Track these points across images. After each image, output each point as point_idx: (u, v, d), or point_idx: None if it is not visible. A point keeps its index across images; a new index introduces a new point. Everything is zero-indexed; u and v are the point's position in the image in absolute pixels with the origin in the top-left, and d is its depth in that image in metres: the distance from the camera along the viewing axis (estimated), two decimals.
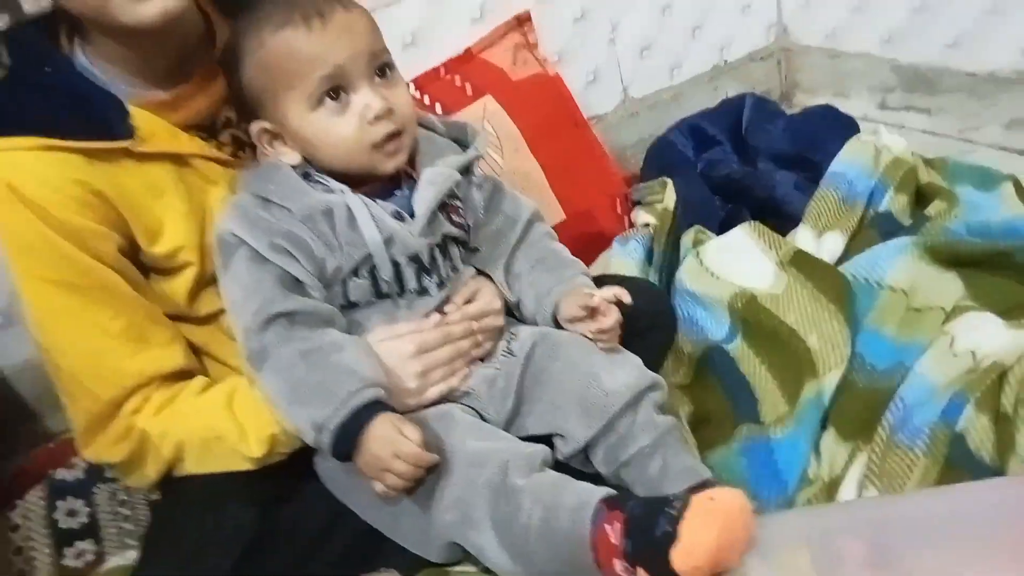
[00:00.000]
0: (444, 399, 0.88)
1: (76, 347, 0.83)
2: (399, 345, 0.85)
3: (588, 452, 0.85)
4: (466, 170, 0.92)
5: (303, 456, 0.88)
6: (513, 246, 0.95)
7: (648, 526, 0.69)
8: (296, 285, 0.82)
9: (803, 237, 1.27)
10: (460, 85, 1.49)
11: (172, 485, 0.88)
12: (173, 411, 0.85)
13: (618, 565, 0.71)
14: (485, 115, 1.45)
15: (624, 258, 1.27)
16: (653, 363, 0.95)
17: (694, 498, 0.69)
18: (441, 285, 0.88)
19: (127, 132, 0.80)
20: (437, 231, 0.87)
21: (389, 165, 0.84)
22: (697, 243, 1.30)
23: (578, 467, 0.86)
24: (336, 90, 0.81)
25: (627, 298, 0.87)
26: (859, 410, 0.97)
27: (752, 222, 1.29)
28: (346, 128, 0.81)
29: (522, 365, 0.88)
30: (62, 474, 1.18)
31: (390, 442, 0.76)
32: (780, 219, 1.37)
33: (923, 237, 1.19)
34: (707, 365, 1.12)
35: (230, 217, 0.83)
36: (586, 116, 1.60)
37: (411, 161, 0.89)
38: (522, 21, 1.55)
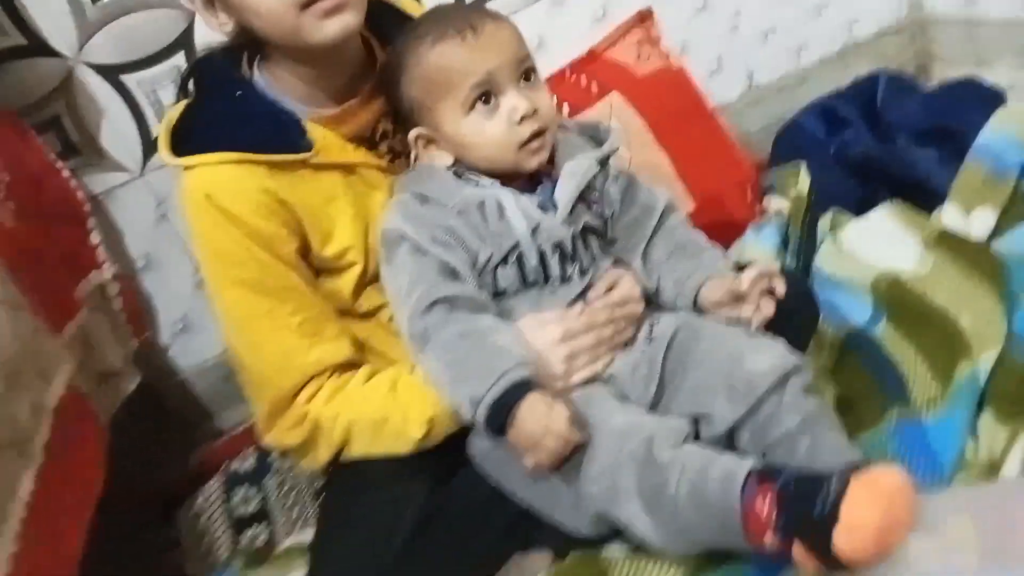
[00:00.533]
0: (588, 383, 0.91)
1: (264, 342, 0.90)
2: (547, 331, 0.89)
3: (733, 435, 0.86)
4: (602, 164, 0.95)
5: (459, 441, 0.93)
6: (650, 235, 0.98)
7: (804, 504, 0.70)
8: (454, 274, 0.88)
9: (950, 215, 1.22)
10: (586, 84, 1.51)
11: (341, 469, 0.95)
12: (343, 397, 0.91)
13: (770, 538, 0.72)
14: (612, 111, 1.47)
15: (759, 245, 1.26)
16: (797, 348, 0.92)
17: (854, 477, 0.69)
18: (583, 273, 0.92)
19: (306, 146, 0.88)
20: (578, 220, 0.91)
21: (533, 162, 0.89)
22: (835, 226, 1.28)
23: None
24: (487, 95, 0.87)
25: (781, 287, 0.87)
26: (1018, 391, 0.94)
27: (893, 200, 1.26)
28: (496, 129, 0.88)
29: (665, 350, 0.90)
30: (236, 465, 1.30)
31: (542, 418, 0.79)
32: (924, 197, 1.32)
33: None
34: (851, 349, 1.09)
35: (394, 214, 0.90)
36: (712, 105, 1.59)
37: (551, 160, 0.93)
38: (644, 17, 1.55)
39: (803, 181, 1.34)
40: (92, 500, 0.94)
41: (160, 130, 0.90)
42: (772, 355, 0.86)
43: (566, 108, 1.46)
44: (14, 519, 0.82)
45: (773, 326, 0.90)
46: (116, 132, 1.25)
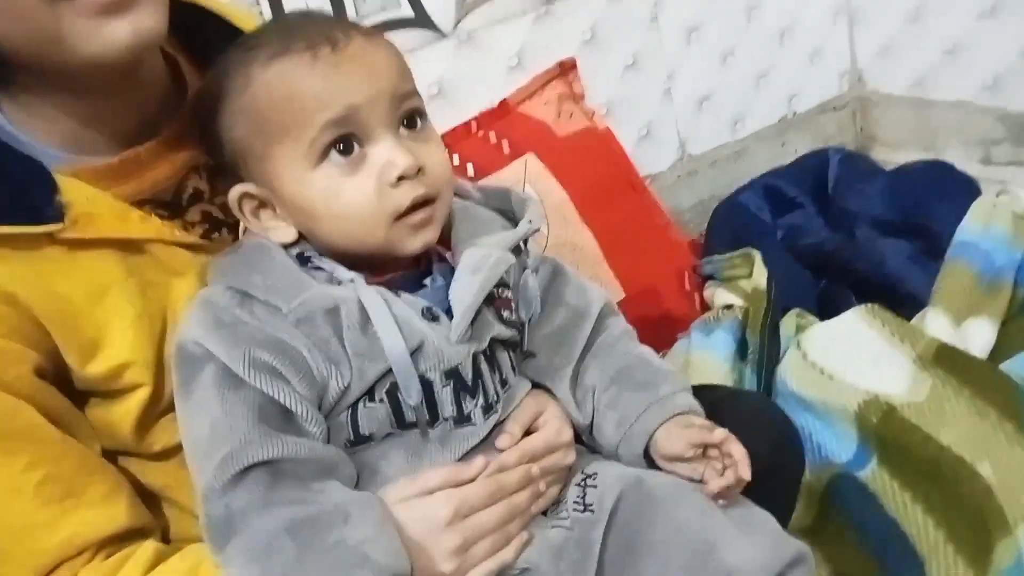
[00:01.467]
0: None
1: None
2: (430, 508, 0.60)
3: None
4: (517, 250, 0.68)
5: None
6: (583, 350, 0.70)
7: None
8: (285, 418, 0.58)
9: (936, 325, 1.01)
10: (496, 142, 1.28)
11: None
12: None
13: None
14: (527, 177, 1.22)
15: (709, 352, 1.00)
16: (782, 515, 0.69)
17: None
18: (488, 410, 0.63)
19: (53, 214, 0.59)
20: (483, 335, 0.63)
21: (416, 242, 0.62)
22: (800, 329, 1.04)
23: None
24: (347, 141, 0.60)
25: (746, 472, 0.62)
26: None
27: (868, 305, 1.03)
28: (360, 191, 0.60)
29: (604, 526, 0.62)
30: None
31: None
32: (893, 300, 1.10)
33: None
34: (837, 503, 0.84)
35: (195, 320, 0.60)
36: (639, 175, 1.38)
37: (444, 240, 0.65)
38: (566, 69, 1.36)
39: (759, 272, 1.11)
40: None
41: None
42: (760, 544, 0.61)
43: (470, 169, 1.21)
44: None
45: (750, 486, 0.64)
46: None
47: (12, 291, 0.58)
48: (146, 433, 0.66)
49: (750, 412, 0.74)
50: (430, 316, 0.61)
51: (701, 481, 0.64)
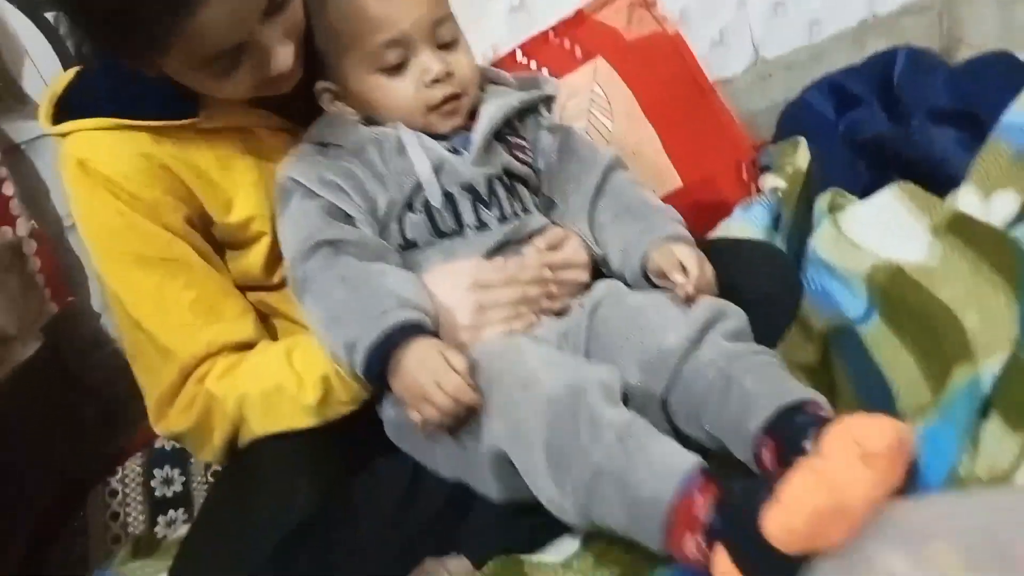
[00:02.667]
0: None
1: (149, 320, 0.82)
2: (454, 277, 0.80)
3: (671, 417, 0.74)
4: (533, 111, 0.88)
5: (374, 429, 0.83)
6: (594, 194, 0.87)
7: (746, 503, 0.58)
8: (346, 218, 0.80)
9: (967, 199, 1.07)
10: (570, 48, 1.39)
11: (233, 456, 0.84)
12: (237, 373, 0.82)
13: (689, 541, 0.60)
14: (595, 77, 1.34)
15: (746, 223, 1.12)
16: (769, 342, 0.80)
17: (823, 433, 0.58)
18: (503, 220, 0.83)
19: (193, 110, 0.81)
20: (495, 162, 0.83)
21: (445, 125, 0.83)
22: (835, 208, 1.13)
23: None
24: (397, 53, 0.80)
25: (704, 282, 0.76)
26: None
27: (903, 182, 1.11)
28: (403, 90, 0.81)
29: (588, 319, 0.80)
30: (161, 443, 1.18)
31: (431, 370, 0.70)
32: (939, 183, 1.16)
33: None
34: (834, 348, 0.96)
35: (287, 163, 0.83)
36: (712, 79, 1.45)
37: (472, 118, 0.85)
38: None
39: (801, 156, 1.20)
40: None
41: (43, 96, 0.83)
42: (690, 318, 0.74)
43: (546, 73, 1.34)
44: None
45: (749, 307, 0.78)
46: (40, 75, 1.14)
47: (166, 163, 0.81)
48: (271, 272, 0.88)
49: (750, 248, 0.87)
50: (453, 150, 0.81)
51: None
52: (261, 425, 0.81)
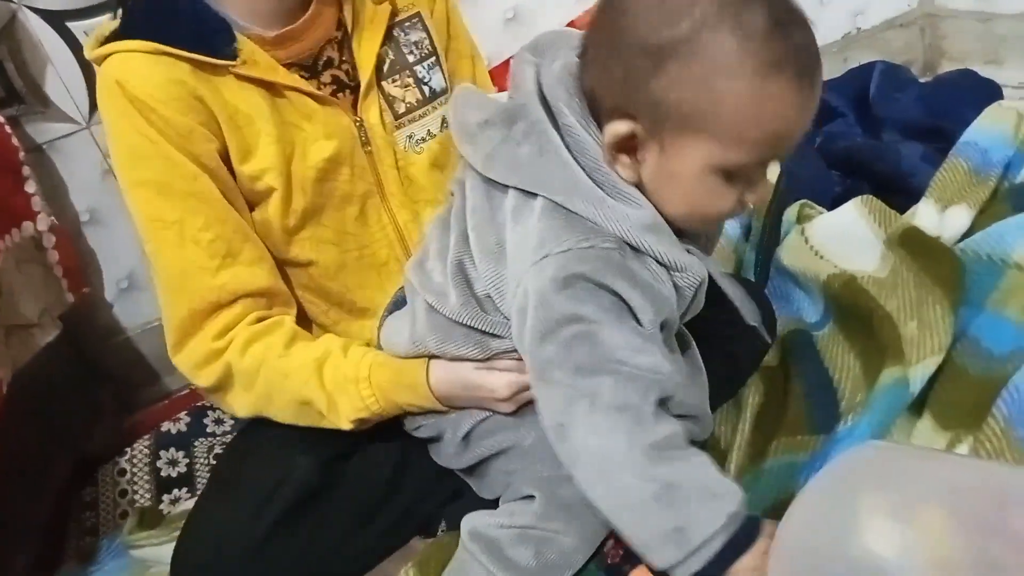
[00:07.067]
0: None
1: (168, 253, 0.83)
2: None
3: None
4: None
5: None
6: None
7: None
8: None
9: (924, 212, 1.14)
10: None
11: (240, 430, 0.91)
12: (261, 359, 0.84)
13: None
14: None
15: None
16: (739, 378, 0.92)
17: None
18: None
19: (232, 54, 0.82)
20: None
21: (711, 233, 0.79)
22: (803, 218, 1.20)
23: None
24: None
25: None
26: (966, 398, 0.85)
27: (865, 196, 1.17)
28: (727, 203, 0.67)
29: None
30: (167, 426, 1.27)
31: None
32: (905, 194, 1.23)
33: None
34: (792, 350, 1.03)
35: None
36: None
37: None
38: None
39: (773, 169, 1.26)
40: None
41: (91, 34, 0.84)
42: None
43: None
44: None
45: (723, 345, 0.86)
46: (62, 81, 1.22)
47: (201, 95, 0.82)
48: (290, 228, 0.87)
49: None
50: None
51: None
52: (282, 419, 0.86)
